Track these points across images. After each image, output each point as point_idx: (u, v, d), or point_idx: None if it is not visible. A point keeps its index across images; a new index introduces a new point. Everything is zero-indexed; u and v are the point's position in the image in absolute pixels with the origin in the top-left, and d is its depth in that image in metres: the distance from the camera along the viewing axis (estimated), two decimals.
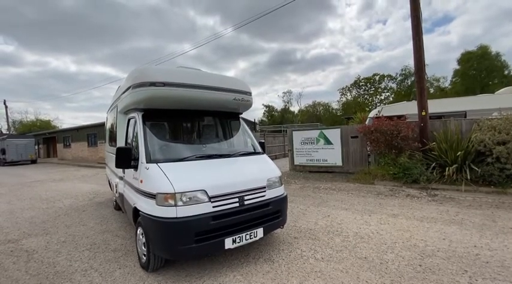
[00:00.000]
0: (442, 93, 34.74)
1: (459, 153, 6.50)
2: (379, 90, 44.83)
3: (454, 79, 35.15)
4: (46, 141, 31.61)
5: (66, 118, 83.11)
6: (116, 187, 4.91)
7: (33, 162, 24.13)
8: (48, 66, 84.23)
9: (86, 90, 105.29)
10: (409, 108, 9.12)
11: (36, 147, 27.19)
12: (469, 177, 6.13)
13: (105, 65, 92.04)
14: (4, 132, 40.71)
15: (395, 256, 3.24)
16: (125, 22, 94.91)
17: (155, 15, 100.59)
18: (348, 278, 2.77)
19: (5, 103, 36.73)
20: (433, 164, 6.88)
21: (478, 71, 30.94)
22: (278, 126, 35.96)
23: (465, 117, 8.22)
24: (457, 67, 33.74)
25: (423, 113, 7.45)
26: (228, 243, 2.88)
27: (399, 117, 8.11)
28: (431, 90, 36.50)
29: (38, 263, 3.45)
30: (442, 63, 57.58)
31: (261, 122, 48.15)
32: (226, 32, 77.18)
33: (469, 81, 31.43)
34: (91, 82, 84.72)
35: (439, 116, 8.61)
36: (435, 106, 8.64)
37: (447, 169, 6.52)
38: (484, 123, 6.62)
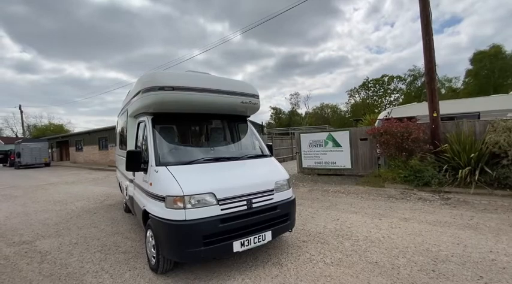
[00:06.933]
0: (453, 93, 34.00)
1: (472, 155, 6.32)
2: (388, 91, 44.30)
3: (466, 80, 34.40)
4: (59, 145, 32.45)
5: (79, 123, 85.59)
6: (126, 189, 4.99)
7: (47, 165, 24.76)
8: (63, 72, 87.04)
9: (98, 94, 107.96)
10: (419, 110, 8.95)
11: (50, 151, 27.92)
12: (486, 180, 5.94)
13: (118, 70, 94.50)
14: (19, 136, 42.08)
15: (407, 260, 3.16)
16: (137, 30, 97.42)
17: (166, 23, 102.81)
18: None
19: (20, 108, 38.06)
20: (445, 166, 6.70)
21: (491, 70, 30.17)
22: (286, 128, 35.84)
23: (479, 118, 8.00)
24: (469, 67, 33.11)
25: (434, 114, 7.30)
26: (237, 246, 2.88)
27: (409, 118, 7.96)
28: (443, 91, 35.78)
29: (50, 265, 3.53)
30: (453, 64, 56.58)
31: (269, 125, 48.14)
32: (234, 37, 78.05)
33: (481, 81, 30.71)
34: (104, 87, 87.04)
35: (451, 117, 8.41)
36: (447, 107, 8.44)
37: (460, 171, 6.34)
38: (498, 124, 6.42)
